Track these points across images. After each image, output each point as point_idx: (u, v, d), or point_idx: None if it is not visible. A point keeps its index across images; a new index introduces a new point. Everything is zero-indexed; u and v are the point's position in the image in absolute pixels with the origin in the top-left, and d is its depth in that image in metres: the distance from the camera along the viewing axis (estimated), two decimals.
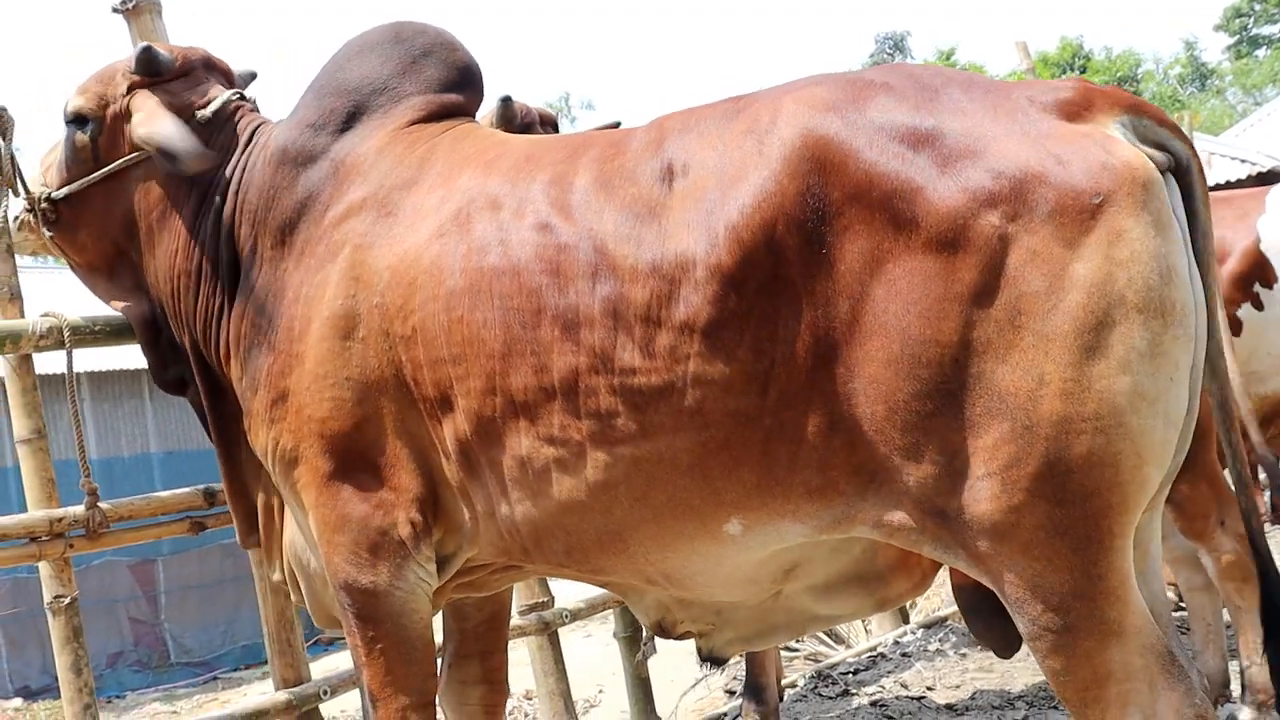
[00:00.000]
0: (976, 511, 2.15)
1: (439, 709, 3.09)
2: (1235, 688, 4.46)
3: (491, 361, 2.54)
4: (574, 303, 2.44)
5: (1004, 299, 2.09)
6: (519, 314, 2.50)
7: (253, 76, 3.51)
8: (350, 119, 3.01)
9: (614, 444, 2.44)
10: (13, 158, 3.33)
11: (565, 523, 2.59)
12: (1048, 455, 2.08)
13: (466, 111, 3.11)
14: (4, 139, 3.37)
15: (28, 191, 3.28)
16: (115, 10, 3.94)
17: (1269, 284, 4.73)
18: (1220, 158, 16.79)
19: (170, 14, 3.97)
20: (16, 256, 3.57)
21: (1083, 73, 44.81)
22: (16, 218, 3.34)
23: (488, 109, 3.45)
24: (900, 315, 2.15)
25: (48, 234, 3.31)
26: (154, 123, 3.08)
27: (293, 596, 3.26)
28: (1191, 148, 2.26)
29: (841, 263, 2.20)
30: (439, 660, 3.37)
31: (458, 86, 3.09)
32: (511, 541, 2.71)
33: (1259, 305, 4.73)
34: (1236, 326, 4.67)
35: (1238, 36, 47.35)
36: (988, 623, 2.63)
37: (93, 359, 13.41)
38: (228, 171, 3.13)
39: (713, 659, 3.21)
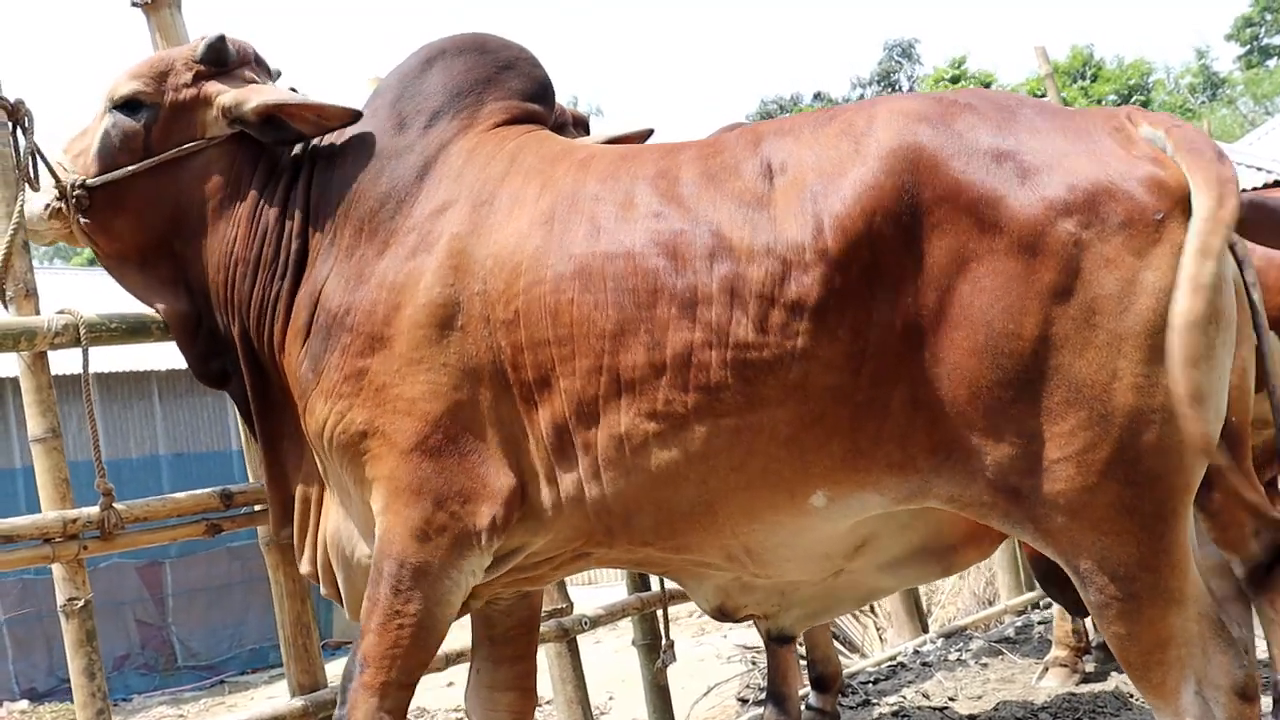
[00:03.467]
0: (1052, 490, 2.39)
1: (467, 715, 3.11)
2: (1266, 702, 4.39)
3: (601, 341, 2.67)
4: (692, 282, 2.60)
5: (1080, 299, 2.32)
6: (634, 294, 2.65)
7: (279, 74, 3.50)
8: (434, 119, 3.11)
9: (719, 415, 2.60)
10: (34, 150, 3.27)
11: (659, 496, 2.73)
12: (1121, 442, 2.33)
13: (543, 121, 3.24)
14: (23, 132, 3.31)
15: (58, 179, 3.21)
16: (134, 4, 3.90)
17: None
18: (1236, 165, 16.73)
19: (189, 9, 3.92)
20: (32, 251, 3.51)
21: (1093, 81, 44.76)
22: (47, 206, 3.27)
23: None
24: (984, 309, 2.37)
25: (83, 221, 3.24)
26: (267, 92, 3.16)
27: (323, 590, 3.24)
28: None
29: (930, 257, 2.43)
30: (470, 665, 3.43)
31: (537, 98, 3.25)
32: (597, 523, 2.82)
33: None
34: None
35: (1249, 46, 47.29)
36: (1062, 587, 2.88)
37: (102, 360, 13.41)
38: (297, 164, 3.19)
39: (781, 638, 3.51)
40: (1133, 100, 44.01)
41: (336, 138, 3.19)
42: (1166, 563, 2.38)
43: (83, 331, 3.38)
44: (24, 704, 13.99)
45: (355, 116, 3.12)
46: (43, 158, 3.26)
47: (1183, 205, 2.32)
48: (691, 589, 3.24)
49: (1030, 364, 2.35)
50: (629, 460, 2.70)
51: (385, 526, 2.88)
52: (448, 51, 3.23)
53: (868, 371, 2.50)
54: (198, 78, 3.21)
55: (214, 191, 3.20)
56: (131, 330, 3.51)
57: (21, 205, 3.31)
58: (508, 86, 3.20)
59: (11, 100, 3.34)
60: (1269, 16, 45.85)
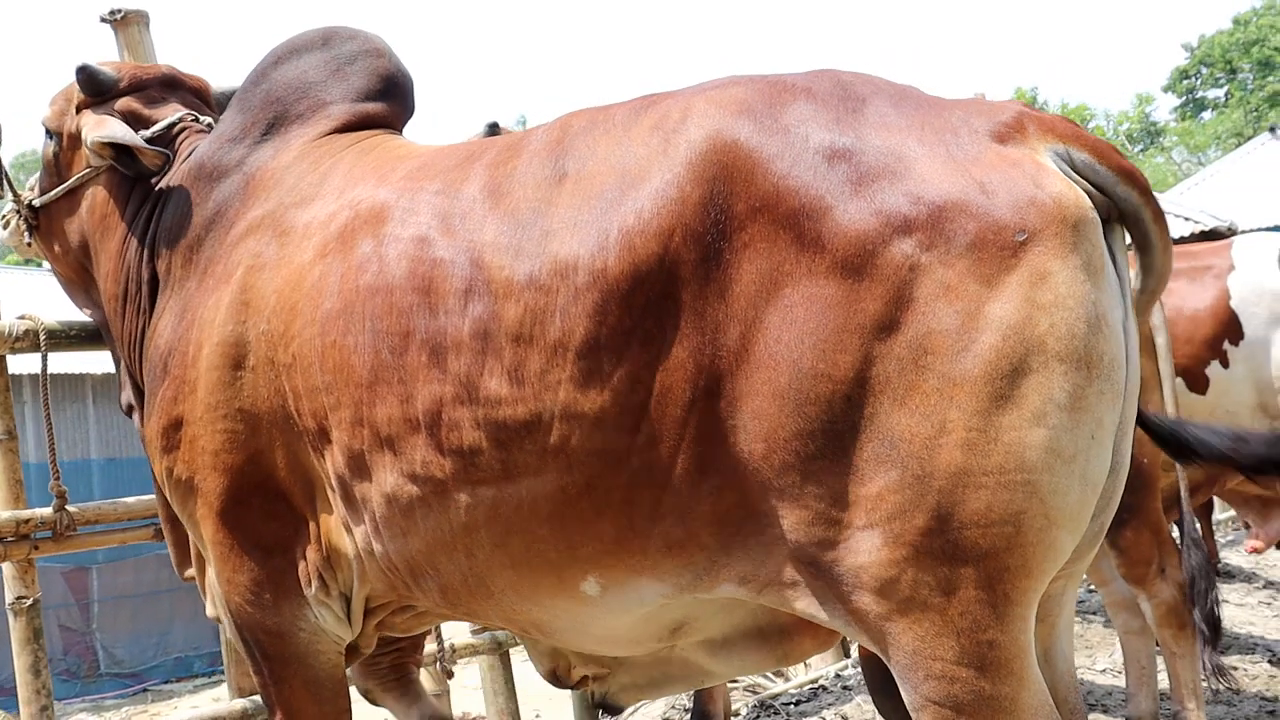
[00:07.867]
0: (855, 565, 1.92)
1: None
2: None
3: (359, 390, 2.35)
4: (443, 325, 2.23)
5: (909, 335, 1.86)
6: (388, 338, 2.30)
7: (229, 93, 3.43)
8: (270, 129, 2.89)
9: (476, 484, 2.24)
10: None
11: (434, 562, 2.40)
12: (939, 509, 1.85)
13: (388, 123, 2.96)
14: None
15: (16, 195, 3.31)
16: (103, 20, 4.00)
17: (1236, 341, 4.56)
18: (1166, 215, 17.18)
19: (159, 26, 4.02)
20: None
21: None
22: (4, 217, 3.38)
23: (475, 134, 3.50)
24: (793, 345, 1.92)
25: (26, 241, 3.36)
26: (103, 126, 3.06)
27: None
28: (1145, 192, 2.03)
29: (738, 284, 1.98)
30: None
31: (380, 96, 2.95)
32: (395, 579, 2.54)
33: (1225, 363, 4.56)
34: (1203, 384, 4.55)
35: (1184, 98, 48.34)
36: (896, 700, 2.33)
37: (92, 361, 13.16)
38: (159, 193, 3.04)
39: (605, 706, 2.94)
40: None
41: (185, 156, 3.03)
42: (994, 660, 1.87)
43: (43, 338, 3.48)
44: None
45: (164, 156, 2.97)
46: (4, 175, 3.34)
47: (1056, 230, 1.86)
48: (528, 648, 2.94)
49: (840, 412, 1.90)
50: (400, 521, 2.38)
51: (224, 597, 2.72)
52: (294, 49, 2.99)
53: (647, 428, 2.06)
54: (79, 108, 3.19)
55: (98, 223, 3.14)
56: (91, 337, 3.59)
57: None
58: (347, 86, 2.91)
59: None
60: (1204, 70, 46.91)
